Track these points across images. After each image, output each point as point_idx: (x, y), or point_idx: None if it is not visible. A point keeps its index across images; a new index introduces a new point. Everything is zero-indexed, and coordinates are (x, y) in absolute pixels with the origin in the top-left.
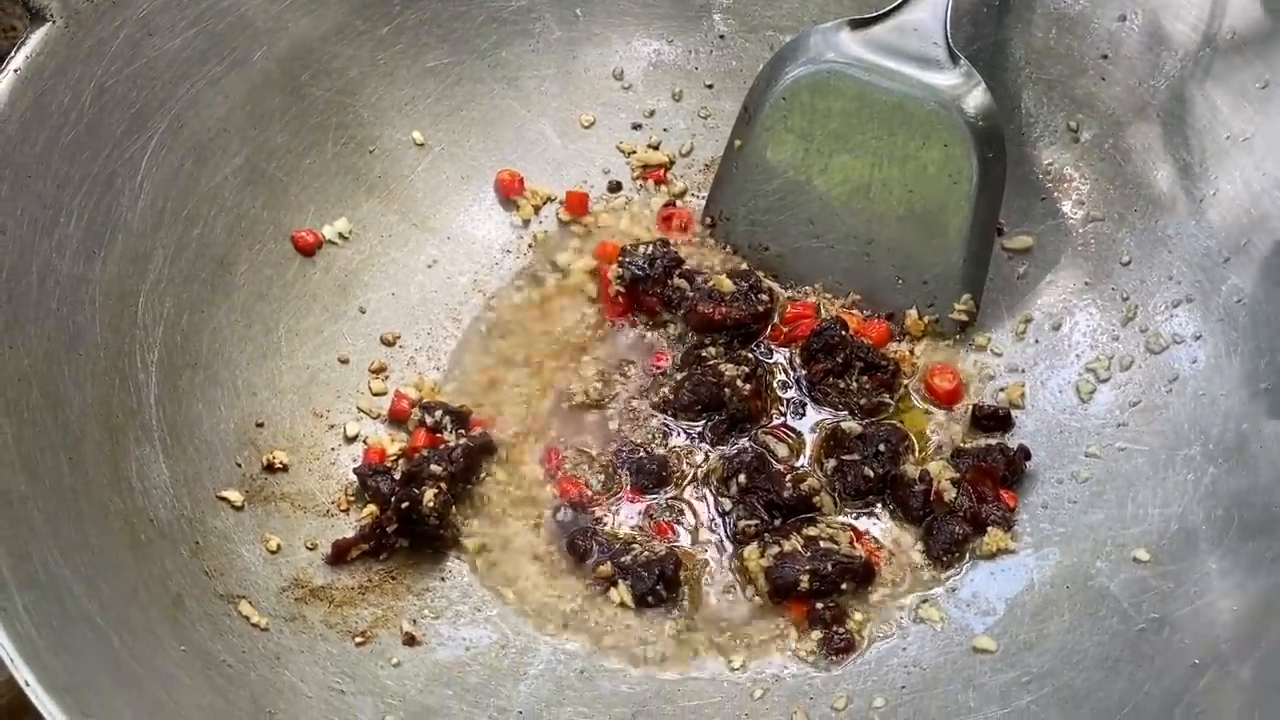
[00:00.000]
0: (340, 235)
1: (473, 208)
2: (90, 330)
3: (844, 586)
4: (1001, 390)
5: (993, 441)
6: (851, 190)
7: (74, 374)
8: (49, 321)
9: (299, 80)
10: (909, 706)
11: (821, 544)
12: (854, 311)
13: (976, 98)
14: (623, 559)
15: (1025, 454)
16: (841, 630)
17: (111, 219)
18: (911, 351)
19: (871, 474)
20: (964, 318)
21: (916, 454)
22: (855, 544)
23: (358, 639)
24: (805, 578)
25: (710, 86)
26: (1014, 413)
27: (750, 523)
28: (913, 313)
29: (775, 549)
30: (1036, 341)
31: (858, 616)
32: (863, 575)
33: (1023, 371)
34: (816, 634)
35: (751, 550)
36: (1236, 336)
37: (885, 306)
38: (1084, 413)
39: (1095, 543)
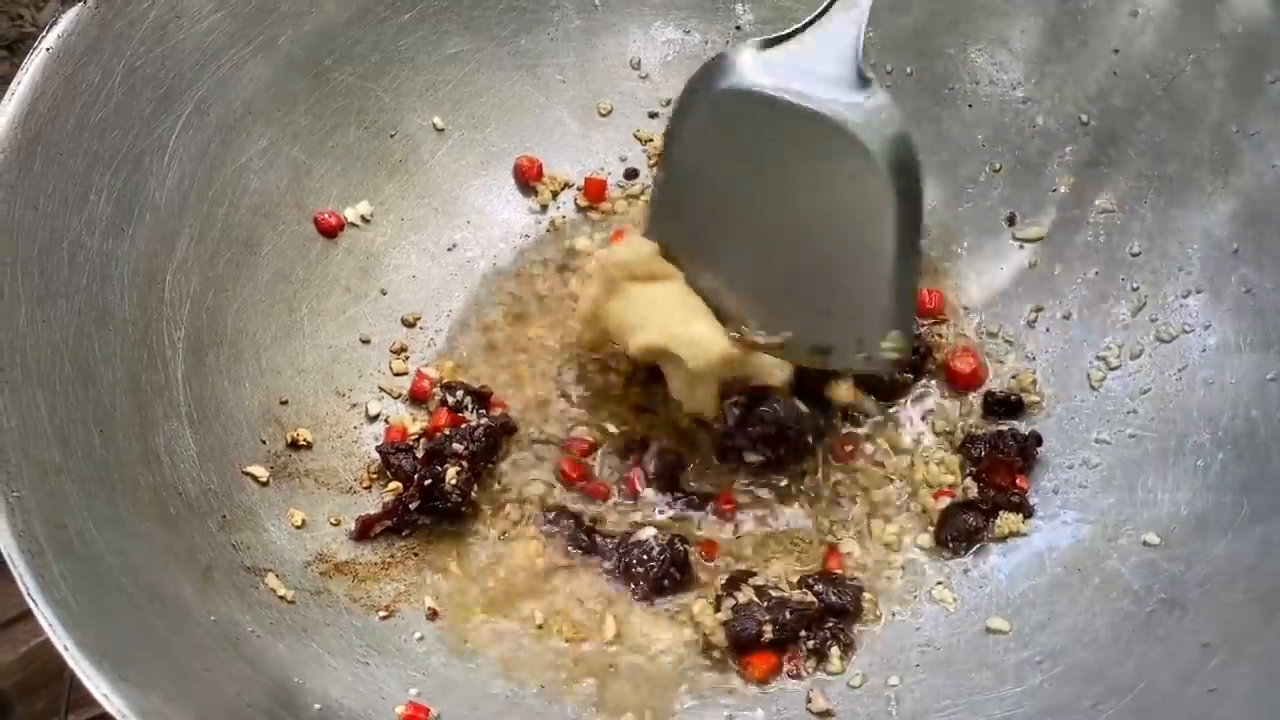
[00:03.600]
0: (362, 218)
1: (492, 192)
2: (119, 306)
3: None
4: (1013, 377)
5: (1004, 427)
6: (770, 220)
7: (104, 349)
8: (79, 297)
9: (322, 64)
10: (924, 685)
11: (772, 594)
12: None
13: (888, 124)
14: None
15: (1037, 440)
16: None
17: (140, 197)
18: (941, 335)
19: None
20: (894, 355)
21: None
22: (805, 590)
23: (382, 613)
24: (767, 628)
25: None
26: (1025, 399)
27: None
28: (843, 385)
29: (730, 602)
30: (1047, 330)
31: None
32: (837, 611)
33: (1034, 359)
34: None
35: (702, 605)
36: (1245, 326)
37: (818, 346)
38: (1095, 400)
39: (1106, 527)
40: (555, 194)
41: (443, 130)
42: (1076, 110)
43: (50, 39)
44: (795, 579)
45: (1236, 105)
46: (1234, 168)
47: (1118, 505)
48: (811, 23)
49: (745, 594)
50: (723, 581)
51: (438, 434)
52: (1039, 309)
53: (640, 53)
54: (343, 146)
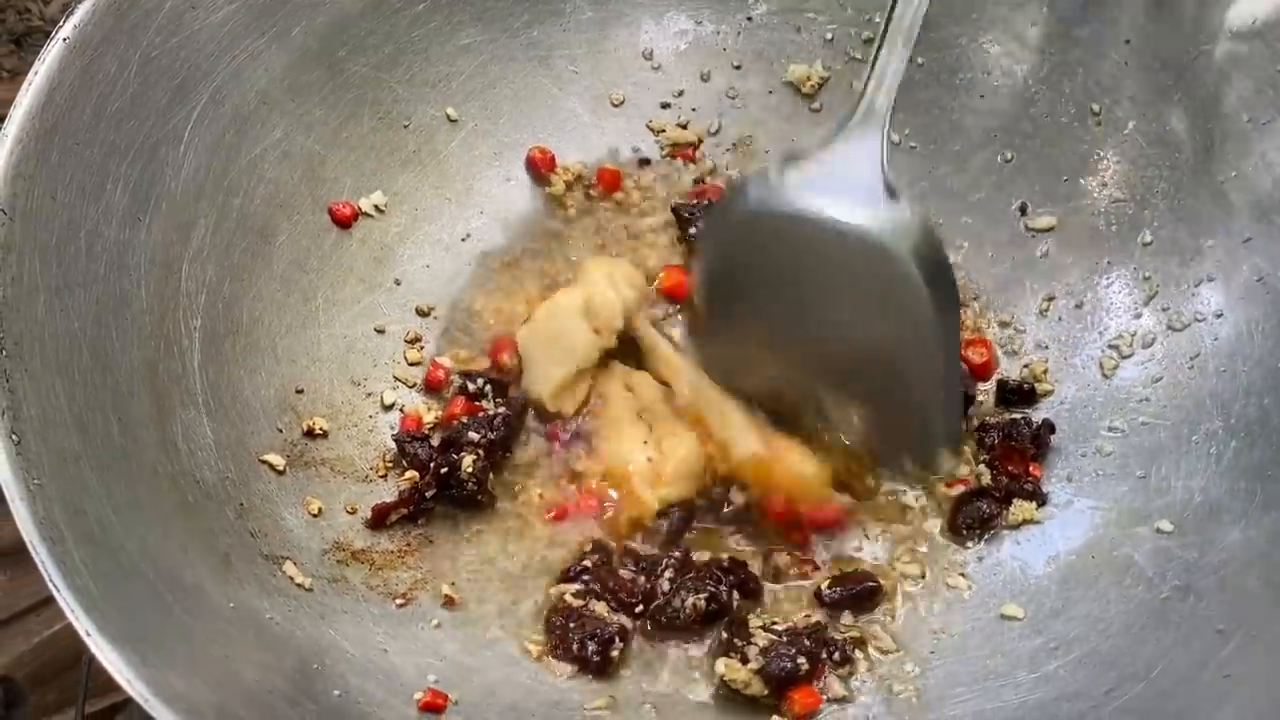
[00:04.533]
0: (376, 208)
1: (505, 183)
2: (136, 296)
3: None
4: (1026, 366)
5: (1018, 416)
6: (810, 340)
7: (121, 338)
8: (97, 286)
9: (336, 55)
10: (939, 670)
11: (779, 628)
12: None
13: (915, 232)
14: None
15: (1050, 428)
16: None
17: (156, 187)
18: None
19: None
20: (944, 466)
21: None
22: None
23: (398, 601)
24: (801, 660)
25: (738, 67)
26: (1038, 388)
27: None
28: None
29: (754, 649)
30: (1060, 319)
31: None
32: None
33: (1046, 348)
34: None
35: (729, 663)
36: (1257, 314)
37: (871, 462)
38: (1107, 388)
39: (1120, 514)
40: (569, 184)
41: (456, 121)
42: (1088, 100)
43: (67, 29)
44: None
45: (1249, 95)
46: (1246, 157)
47: (1131, 493)
48: (835, 140)
49: (760, 637)
50: (724, 636)
51: (454, 422)
52: (1051, 298)
53: (652, 43)
54: (357, 137)
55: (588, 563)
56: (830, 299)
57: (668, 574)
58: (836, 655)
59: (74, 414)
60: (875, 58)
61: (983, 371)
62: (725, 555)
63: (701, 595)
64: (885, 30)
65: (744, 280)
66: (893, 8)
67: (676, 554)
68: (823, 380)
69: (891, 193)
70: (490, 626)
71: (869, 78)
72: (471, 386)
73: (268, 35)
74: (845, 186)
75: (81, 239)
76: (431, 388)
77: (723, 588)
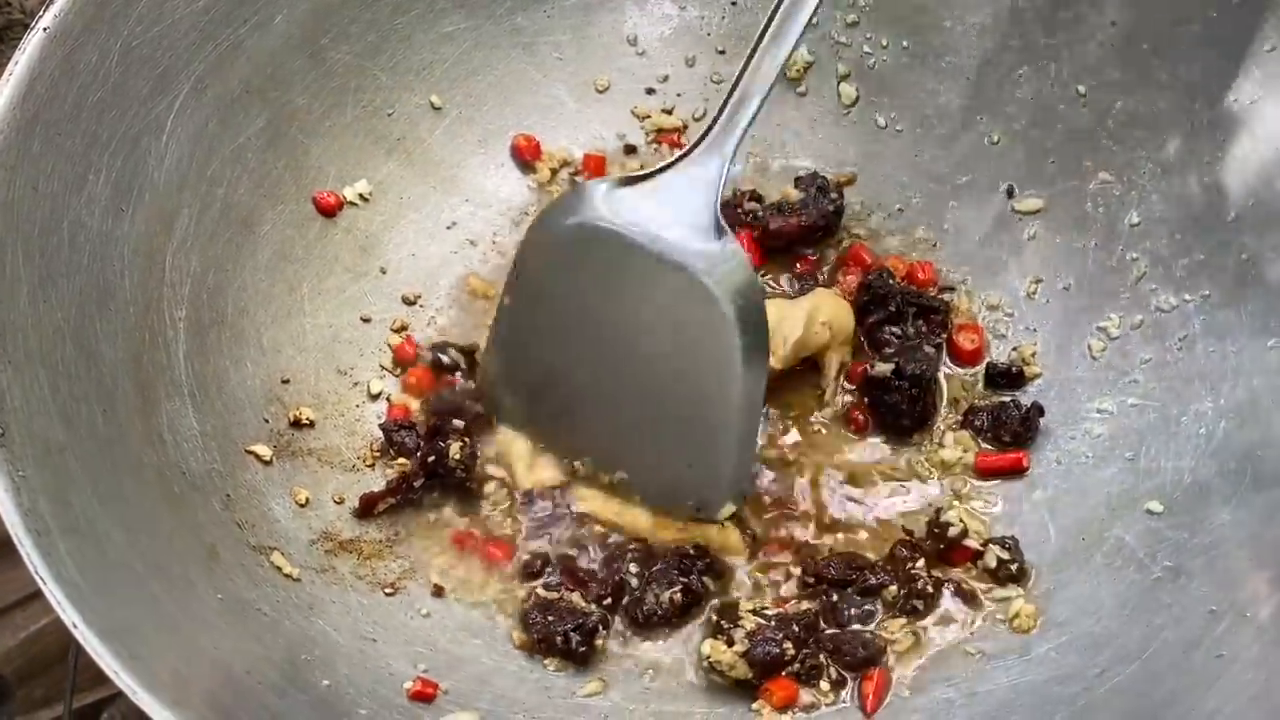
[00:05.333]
0: (361, 197)
1: (491, 170)
2: (120, 287)
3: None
4: (1014, 349)
5: (1006, 399)
6: (617, 361)
7: (105, 329)
8: (80, 277)
9: (319, 43)
10: (931, 656)
11: (769, 613)
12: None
13: (738, 273)
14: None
15: (1039, 410)
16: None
17: (139, 178)
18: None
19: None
20: (725, 514)
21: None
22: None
23: (387, 590)
24: (787, 644)
25: (722, 52)
26: (1026, 370)
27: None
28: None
29: (740, 632)
30: (1047, 301)
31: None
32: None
33: (1034, 330)
34: (824, 684)
35: (714, 644)
36: (1245, 294)
37: (656, 495)
38: (1096, 370)
39: (1109, 496)
40: (554, 171)
41: (440, 109)
42: (1074, 82)
43: (47, 19)
44: (797, 571)
45: (1234, 74)
46: (1231, 136)
47: (1120, 475)
48: (674, 163)
49: (749, 620)
50: (713, 618)
51: (432, 395)
52: (1039, 280)
53: (637, 29)
54: (340, 125)
55: (550, 555)
56: (639, 325)
57: (632, 565)
58: (822, 660)
59: (58, 405)
60: (731, 92)
61: (973, 358)
62: (689, 544)
63: (676, 589)
64: (745, 67)
65: (557, 291)
66: (753, 52)
67: (634, 547)
68: (617, 406)
69: (721, 231)
70: (480, 615)
71: (721, 109)
72: (445, 359)
73: (249, 24)
74: (675, 216)
75: (64, 230)
76: (400, 362)
77: (692, 577)
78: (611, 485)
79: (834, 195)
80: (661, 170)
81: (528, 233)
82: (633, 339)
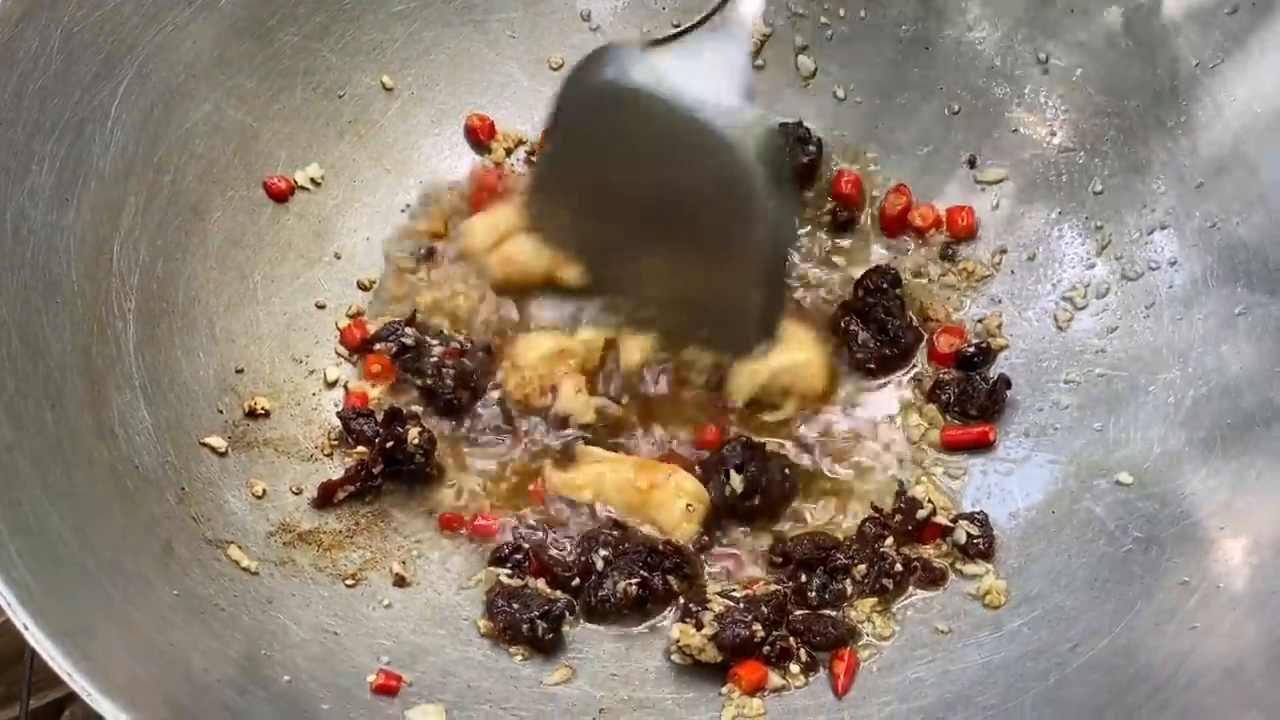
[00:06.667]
0: (312, 181)
1: (444, 151)
2: (66, 278)
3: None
4: (979, 321)
5: (973, 372)
6: (646, 212)
7: (53, 322)
8: (25, 270)
9: (266, 25)
10: (902, 635)
11: (737, 595)
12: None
13: (762, 133)
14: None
15: (1006, 383)
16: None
17: (83, 166)
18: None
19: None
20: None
21: None
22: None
23: (348, 581)
24: (756, 626)
25: (676, 26)
26: (992, 342)
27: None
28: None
29: (709, 615)
30: (1012, 272)
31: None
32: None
33: (1000, 302)
34: (794, 667)
35: (683, 628)
36: (1212, 261)
37: (689, 343)
38: (1062, 340)
39: (1079, 468)
40: (509, 151)
41: (392, 89)
42: (1035, 49)
43: None
44: (766, 548)
45: (1196, 39)
46: (1195, 102)
47: (1089, 446)
48: (701, 23)
49: (717, 603)
50: (682, 601)
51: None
52: (1003, 251)
53: (590, 4)
54: (290, 108)
55: (521, 544)
56: (672, 179)
57: (603, 552)
58: (792, 643)
59: (5, 403)
60: None
61: (949, 361)
62: (662, 539)
63: (634, 580)
64: None
65: (590, 147)
66: None
67: (614, 533)
68: (650, 253)
69: (749, 95)
70: (442, 605)
71: None
72: (406, 340)
73: (194, 6)
74: (707, 76)
75: (7, 221)
76: (350, 346)
77: (656, 574)
78: (640, 322)
79: (812, 148)
80: (693, 34)
81: (562, 88)
82: (664, 191)
